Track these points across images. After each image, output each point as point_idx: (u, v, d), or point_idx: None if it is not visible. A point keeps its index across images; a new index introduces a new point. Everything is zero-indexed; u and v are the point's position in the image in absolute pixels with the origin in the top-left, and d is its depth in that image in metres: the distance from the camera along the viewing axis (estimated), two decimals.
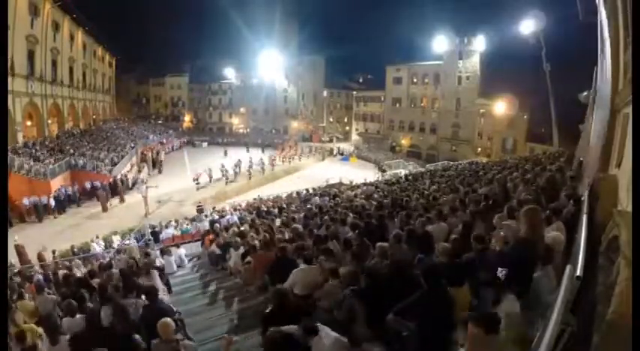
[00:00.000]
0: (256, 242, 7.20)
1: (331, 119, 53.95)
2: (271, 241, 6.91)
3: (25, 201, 18.21)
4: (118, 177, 23.02)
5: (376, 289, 3.81)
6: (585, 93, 11.72)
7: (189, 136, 46.82)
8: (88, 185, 21.49)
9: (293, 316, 3.54)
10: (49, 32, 27.85)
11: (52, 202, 18.87)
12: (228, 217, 13.74)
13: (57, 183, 20.32)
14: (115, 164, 24.07)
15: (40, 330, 4.44)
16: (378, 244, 4.79)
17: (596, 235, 4.18)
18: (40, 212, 18.36)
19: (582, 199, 4.72)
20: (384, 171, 30.39)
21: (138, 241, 13.76)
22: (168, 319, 3.59)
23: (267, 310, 3.86)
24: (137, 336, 3.72)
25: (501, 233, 4.31)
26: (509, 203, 5.63)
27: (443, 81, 42.18)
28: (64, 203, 19.73)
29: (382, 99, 48.50)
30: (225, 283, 7.69)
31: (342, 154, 41.68)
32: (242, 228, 9.87)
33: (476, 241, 4.20)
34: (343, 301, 3.84)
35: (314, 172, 31.43)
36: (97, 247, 13.32)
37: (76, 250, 13.25)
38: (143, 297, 4.67)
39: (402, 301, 3.47)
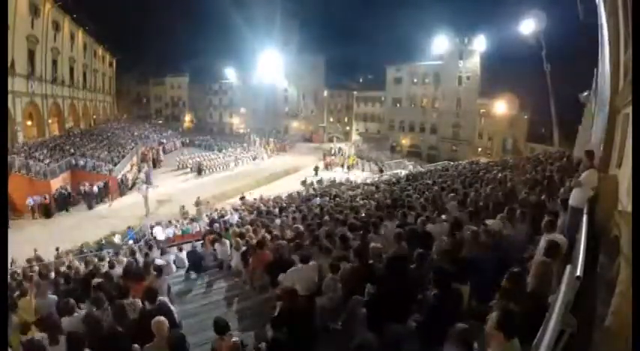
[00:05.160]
0: (254, 242, 7.20)
1: (331, 119, 53.90)
2: (270, 240, 6.93)
3: (30, 200, 18.38)
4: (119, 177, 23.07)
5: (378, 290, 3.83)
6: (585, 93, 11.74)
7: (190, 136, 46.68)
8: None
9: (301, 316, 3.56)
10: (49, 32, 27.86)
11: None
12: (228, 216, 13.75)
13: (57, 183, 20.33)
14: (116, 164, 24.07)
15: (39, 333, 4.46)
16: (372, 245, 4.80)
17: (596, 235, 4.19)
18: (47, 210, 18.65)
19: None
20: (381, 171, 30.33)
21: (138, 241, 13.77)
22: (162, 318, 3.60)
23: (277, 311, 3.86)
24: (136, 346, 3.71)
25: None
26: (510, 204, 5.64)
27: (443, 81, 42.11)
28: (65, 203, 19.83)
29: (382, 99, 48.44)
30: (225, 283, 7.69)
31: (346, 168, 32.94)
32: (242, 228, 9.86)
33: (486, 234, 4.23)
34: (344, 304, 3.86)
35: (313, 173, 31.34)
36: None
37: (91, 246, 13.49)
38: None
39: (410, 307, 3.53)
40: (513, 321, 2.24)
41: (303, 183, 23.79)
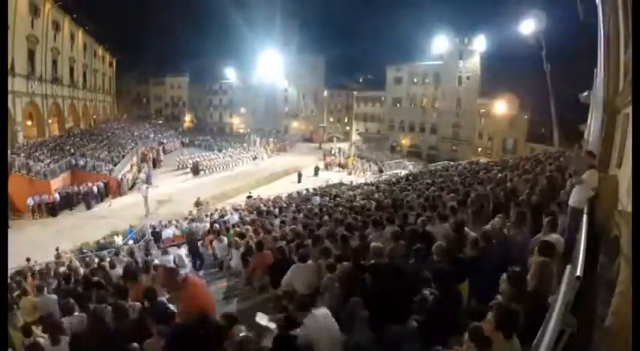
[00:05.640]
0: (254, 242, 7.20)
1: (331, 119, 53.93)
2: (270, 241, 6.92)
3: (30, 200, 18.43)
4: (119, 177, 23.09)
5: (378, 291, 3.83)
6: (585, 93, 11.73)
7: (190, 136, 46.65)
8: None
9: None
10: (49, 32, 27.86)
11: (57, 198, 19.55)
12: (228, 216, 13.75)
13: (57, 183, 20.35)
14: (116, 164, 24.08)
15: (39, 332, 4.46)
16: (373, 244, 4.80)
17: (596, 235, 4.20)
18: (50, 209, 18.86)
19: None
20: (381, 171, 30.35)
21: (138, 241, 13.78)
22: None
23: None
24: (135, 344, 3.69)
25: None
26: (510, 204, 5.64)
27: (443, 81, 42.11)
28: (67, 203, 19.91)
29: (382, 99, 48.45)
30: (225, 283, 7.69)
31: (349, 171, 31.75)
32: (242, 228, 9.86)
33: (482, 239, 4.23)
34: (345, 304, 3.86)
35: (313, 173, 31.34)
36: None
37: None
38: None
39: (409, 307, 3.52)
40: (512, 320, 2.24)
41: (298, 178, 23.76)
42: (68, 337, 3.96)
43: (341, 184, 23.27)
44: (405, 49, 44.40)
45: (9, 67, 21.41)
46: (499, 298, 2.97)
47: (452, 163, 27.43)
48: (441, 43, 40.47)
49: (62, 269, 8.87)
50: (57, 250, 12.58)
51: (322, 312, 3.27)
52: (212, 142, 41.24)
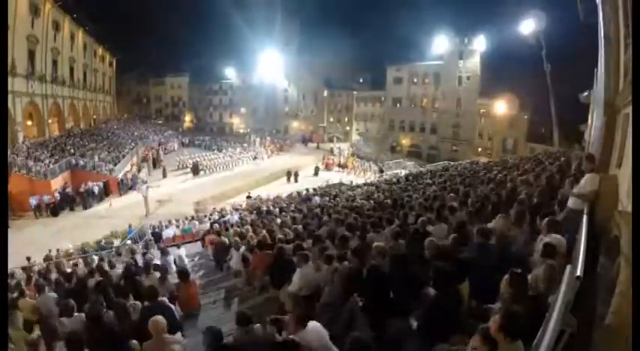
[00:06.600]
0: (255, 242, 7.20)
1: (331, 119, 53.93)
2: (271, 241, 6.92)
3: (32, 200, 18.48)
4: (120, 177, 23.10)
5: (378, 290, 3.83)
6: (586, 93, 11.73)
7: (190, 136, 46.65)
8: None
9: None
10: (49, 32, 27.87)
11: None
12: (228, 216, 13.76)
13: (57, 183, 20.36)
14: (116, 164, 24.09)
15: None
16: (375, 244, 4.81)
17: (596, 235, 4.19)
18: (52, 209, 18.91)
19: None
20: (381, 171, 30.34)
21: (136, 242, 13.77)
22: (159, 318, 3.60)
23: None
24: (134, 341, 3.71)
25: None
26: (510, 204, 5.63)
27: (443, 81, 42.11)
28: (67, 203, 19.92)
29: (382, 99, 48.45)
30: (225, 283, 7.69)
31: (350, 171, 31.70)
32: (242, 228, 9.86)
33: (479, 234, 4.22)
34: (345, 303, 3.86)
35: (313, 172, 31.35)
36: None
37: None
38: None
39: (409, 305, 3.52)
40: (517, 323, 2.24)
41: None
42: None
43: (341, 184, 23.25)
44: (405, 49, 44.40)
45: (9, 67, 21.41)
46: (499, 303, 2.97)
47: (452, 163, 27.41)
48: (441, 43, 40.47)
49: (55, 276, 8.80)
50: (57, 250, 12.60)
51: (314, 326, 3.30)
52: (212, 142, 41.24)
